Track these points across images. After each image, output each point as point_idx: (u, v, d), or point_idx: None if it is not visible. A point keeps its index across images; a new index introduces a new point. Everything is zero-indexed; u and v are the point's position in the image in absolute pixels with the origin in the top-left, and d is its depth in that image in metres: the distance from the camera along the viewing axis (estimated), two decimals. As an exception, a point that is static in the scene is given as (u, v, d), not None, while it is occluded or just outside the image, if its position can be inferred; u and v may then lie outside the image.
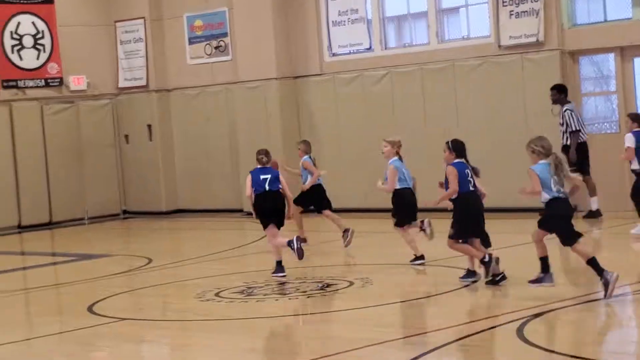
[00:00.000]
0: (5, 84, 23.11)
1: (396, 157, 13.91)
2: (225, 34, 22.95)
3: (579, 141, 17.17)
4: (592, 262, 10.86)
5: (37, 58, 23.59)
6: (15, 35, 23.27)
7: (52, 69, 23.78)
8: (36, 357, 10.47)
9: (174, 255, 17.21)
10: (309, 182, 16.08)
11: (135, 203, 24.18)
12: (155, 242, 19.09)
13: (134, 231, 22.23)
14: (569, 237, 10.99)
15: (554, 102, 17.54)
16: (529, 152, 11.13)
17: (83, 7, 24.14)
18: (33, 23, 23.39)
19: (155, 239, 20.10)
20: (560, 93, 17.49)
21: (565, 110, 17.36)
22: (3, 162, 22.60)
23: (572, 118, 17.22)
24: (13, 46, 23.25)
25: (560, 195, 10.96)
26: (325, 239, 16.91)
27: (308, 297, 12.34)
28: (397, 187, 13.86)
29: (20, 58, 23.37)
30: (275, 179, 13.83)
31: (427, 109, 19.97)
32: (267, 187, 13.74)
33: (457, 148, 12.16)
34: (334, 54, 21.63)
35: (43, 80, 23.66)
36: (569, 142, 17.15)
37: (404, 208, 13.92)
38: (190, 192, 23.53)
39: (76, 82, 24.01)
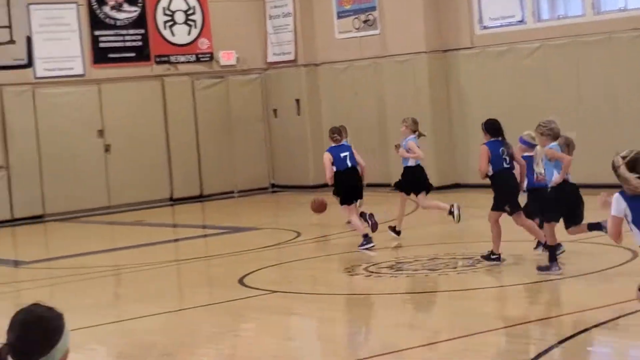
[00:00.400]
0: (157, 59, 23.51)
1: (413, 136, 14.71)
2: (373, 8, 22.80)
3: None
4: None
5: (189, 34, 23.92)
6: (167, 12, 23.64)
7: (203, 44, 24.08)
8: (187, 328, 10.58)
9: (322, 229, 17.21)
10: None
11: (283, 177, 24.33)
12: (303, 216, 19.10)
13: (283, 205, 22.36)
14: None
15: None
16: (537, 134, 11.58)
17: (233, -17, 24.36)
18: (185, -1, 23.75)
19: (303, 212, 20.11)
20: None
21: None
22: (156, 136, 23.02)
23: None
24: (165, 22, 23.63)
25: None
26: (479, 215, 16.63)
27: (458, 273, 12.16)
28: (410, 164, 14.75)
29: (172, 34, 23.74)
30: (353, 155, 14.42)
31: (581, 83, 19.42)
32: (348, 164, 14.31)
33: (490, 128, 12.41)
34: (484, 27, 21.25)
35: (194, 56, 23.98)
36: None
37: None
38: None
39: (226, 57, 24.26)
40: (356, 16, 23.22)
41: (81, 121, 22.15)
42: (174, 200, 23.14)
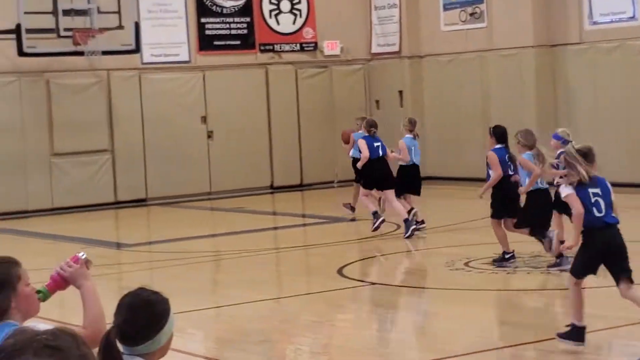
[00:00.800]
0: (262, 47, 23.62)
1: (410, 136, 16.00)
2: (480, 1, 22.54)
3: None
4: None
5: (294, 23, 23.97)
6: (273, 0, 23.72)
7: (308, 33, 24.12)
8: (285, 316, 10.60)
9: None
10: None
11: (384, 169, 24.22)
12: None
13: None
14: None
15: None
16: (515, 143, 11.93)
17: (340, -27, 24.33)
18: (291, -12, 23.81)
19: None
20: None
21: None
22: (258, 124, 23.14)
23: None
24: (271, 11, 23.72)
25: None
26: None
27: (561, 270, 11.93)
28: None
29: (278, 22, 23.81)
30: (384, 147, 15.65)
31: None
32: (380, 153, 15.51)
33: (499, 134, 12.68)
34: (594, 22, 20.83)
35: (298, 45, 24.04)
36: None
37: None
38: (440, 159, 23.33)
39: (330, 47, 24.26)
40: (463, 9, 23.00)
41: (185, 107, 22.37)
42: (274, 188, 23.24)
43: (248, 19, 23.43)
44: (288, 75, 23.66)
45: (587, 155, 8.58)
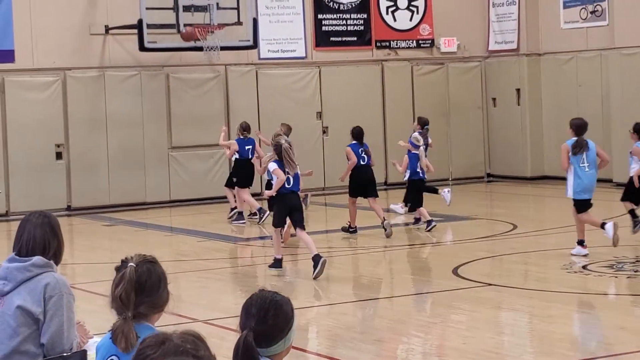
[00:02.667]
0: (378, 44, 23.57)
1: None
2: (602, -2, 22.11)
3: None
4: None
5: (410, 19, 23.86)
6: (390, -4, 23.66)
7: (424, 30, 23.98)
8: (398, 315, 10.54)
9: (538, 222, 16.84)
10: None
11: (500, 167, 23.98)
12: (520, 208, 18.82)
13: (498, 195, 22.02)
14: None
15: None
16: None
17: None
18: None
19: (519, 204, 19.82)
20: None
21: None
22: (373, 121, 23.08)
23: None
24: (388, 7, 23.65)
25: None
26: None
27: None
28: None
29: (394, 19, 23.74)
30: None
31: None
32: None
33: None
34: None
35: (414, 42, 23.92)
36: None
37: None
38: (557, 159, 22.87)
39: (447, 43, 24.08)
40: (583, 6, 22.58)
41: (300, 103, 22.47)
42: (388, 185, 23.18)
43: (365, 16, 23.41)
44: (404, 72, 23.57)
45: None
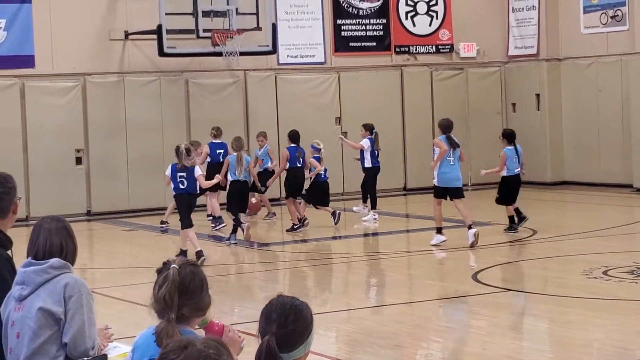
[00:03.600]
0: (397, 49, 23.55)
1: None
2: (622, 3, 22.02)
3: None
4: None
5: (430, 24, 23.84)
6: (410, 2, 23.63)
7: (444, 35, 23.95)
8: (418, 320, 10.51)
9: (558, 228, 16.77)
10: None
11: (519, 173, 23.88)
12: (540, 214, 18.66)
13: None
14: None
15: None
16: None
17: (477, -26, 24.09)
18: (428, -11, 23.71)
19: (539, 210, 19.68)
20: None
21: None
22: (392, 126, 23.07)
23: None
24: (407, 12, 23.64)
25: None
26: None
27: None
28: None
29: (414, 24, 23.72)
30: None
31: None
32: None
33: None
34: None
35: (434, 47, 23.89)
36: None
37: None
38: (577, 164, 22.90)
39: (466, 49, 24.04)
40: (604, 11, 22.50)
41: (319, 108, 22.47)
42: (407, 190, 23.14)
43: (384, 21, 23.40)
44: (423, 77, 23.55)
45: None
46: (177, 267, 4.39)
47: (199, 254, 13.97)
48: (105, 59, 20.89)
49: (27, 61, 20.17)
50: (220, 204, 18.52)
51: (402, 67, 23.46)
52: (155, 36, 19.95)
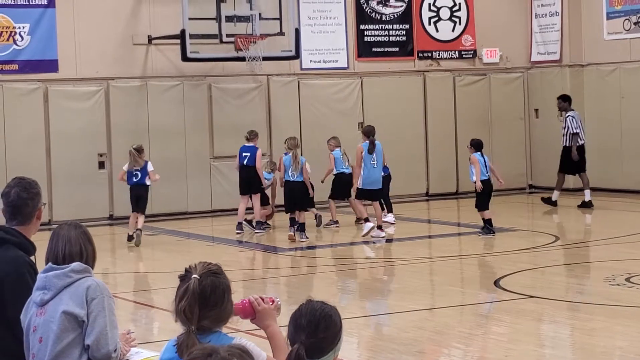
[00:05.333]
0: (420, 54, 23.54)
1: (337, 149, 18.64)
2: (646, 9, 21.95)
3: (578, 144, 20.48)
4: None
5: (453, 30, 23.81)
6: (433, 8, 23.61)
7: (467, 41, 23.92)
8: (439, 326, 10.50)
9: (581, 234, 16.71)
10: None
11: (542, 178, 23.82)
12: (562, 220, 18.69)
13: (540, 207, 21.82)
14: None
15: (559, 109, 21.04)
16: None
17: (500, -21, 24.05)
18: (451, -5, 23.69)
19: (561, 216, 19.69)
20: (564, 102, 20.79)
21: (567, 116, 20.42)
22: (415, 131, 23.06)
23: (573, 123, 20.29)
24: (430, 18, 23.62)
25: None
26: None
27: None
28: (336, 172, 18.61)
29: (436, 30, 23.70)
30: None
31: None
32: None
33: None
34: None
35: (457, 52, 23.86)
36: (569, 144, 20.55)
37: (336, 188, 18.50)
38: (600, 170, 22.78)
39: (489, 54, 24.00)
40: (627, 17, 22.42)
41: (342, 113, 22.47)
42: (429, 196, 23.12)
43: (407, 26, 23.39)
44: (446, 82, 23.52)
45: None
46: (199, 277, 4.32)
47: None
48: (129, 64, 20.97)
49: (51, 66, 20.28)
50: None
51: (425, 73, 23.44)
52: (178, 41, 20.01)
